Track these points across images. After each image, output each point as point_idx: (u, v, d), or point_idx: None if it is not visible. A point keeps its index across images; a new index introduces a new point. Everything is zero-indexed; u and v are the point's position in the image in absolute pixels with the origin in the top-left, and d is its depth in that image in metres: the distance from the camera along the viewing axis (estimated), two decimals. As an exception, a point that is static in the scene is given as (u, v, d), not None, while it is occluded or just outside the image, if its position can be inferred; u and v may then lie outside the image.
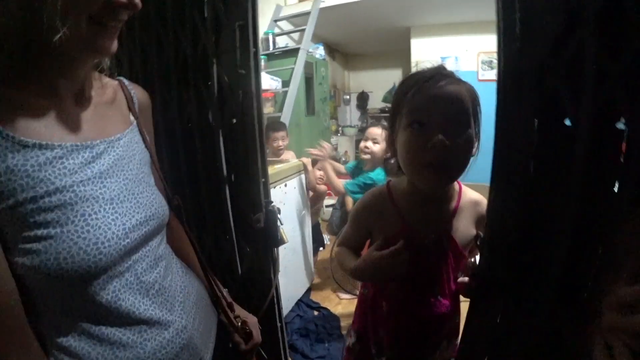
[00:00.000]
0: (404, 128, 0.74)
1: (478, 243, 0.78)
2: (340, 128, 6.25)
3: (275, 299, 1.18)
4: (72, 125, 0.55)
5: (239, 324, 0.81)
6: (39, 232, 0.47)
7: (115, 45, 0.53)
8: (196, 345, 0.66)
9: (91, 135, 0.57)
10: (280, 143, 2.58)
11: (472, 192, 0.86)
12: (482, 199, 0.84)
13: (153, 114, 0.76)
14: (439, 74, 0.73)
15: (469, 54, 4.76)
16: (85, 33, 0.48)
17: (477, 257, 0.80)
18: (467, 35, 4.66)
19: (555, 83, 0.64)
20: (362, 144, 2.11)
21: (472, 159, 0.75)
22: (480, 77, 4.70)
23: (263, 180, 1.01)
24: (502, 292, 0.76)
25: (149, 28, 1.13)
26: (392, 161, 0.85)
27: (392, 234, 0.82)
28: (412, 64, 5.04)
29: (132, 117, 0.67)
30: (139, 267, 0.58)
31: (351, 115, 6.83)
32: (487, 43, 4.41)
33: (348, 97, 6.77)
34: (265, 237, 1.07)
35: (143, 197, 0.61)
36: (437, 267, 0.84)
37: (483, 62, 4.75)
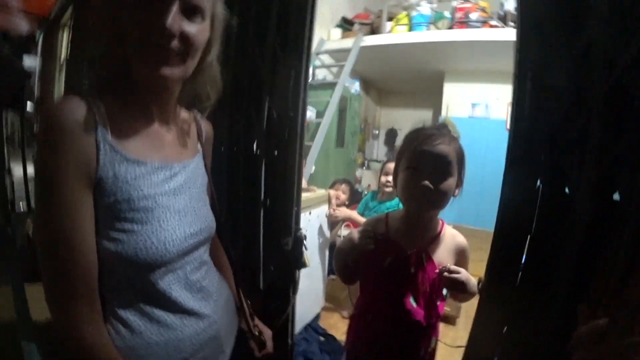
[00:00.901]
0: (403, 170, 0.98)
1: (479, 287, 0.87)
2: (366, 161, 6.36)
3: (290, 317, 1.27)
4: (159, 148, 0.70)
5: (257, 332, 0.92)
6: (126, 225, 0.61)
7: (168, 71, 0.61)
8: (222, 338, 0.78)
9: (171, 159, 0.71)
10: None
11: (451, 229, 1.06)
12: (459, 235, 1.05)
13: None
14: (437, 134, 0.95)
15: (499, 103, 4.80)
16: (140, 56, 0.60)
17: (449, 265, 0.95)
18: (499, 84, 4.67)
19: (560, 156, 0.73)
20: (383, 179, 2.27)
21: (456, 198, 0.98)
22: (509, 127, 4.72)
23: (296, 208, 1.13)
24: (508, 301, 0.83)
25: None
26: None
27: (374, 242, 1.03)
28: (443, 107, 5.15)
29: (199, 147, 0.82)
30: (188, 267, 0.71)
31: (378, 150, 6.94)
32: (520, 94, 4.47)
33: (377, 132, 6.90)
34: (290, 259, 1.18)
35: (200, 212, 0.75)
36: (415, 277, 0.98)
37: (513, 113, 4.77)
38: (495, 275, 0.85)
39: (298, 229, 1.15)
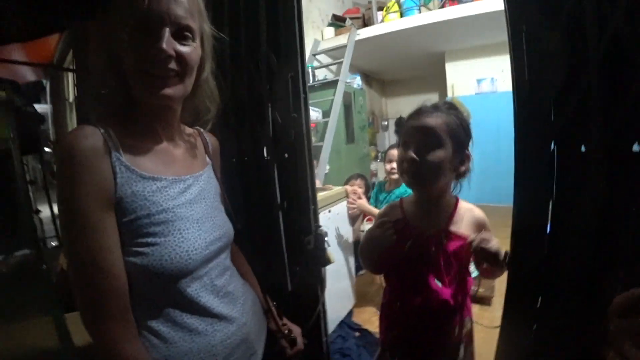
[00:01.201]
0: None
1: (506, 260, 0.86)
2: (379, 154, 6.33)
3: (321, 315, 1.28)
4: (170, 163, 0.74)
5: (286, 331, 0.94)
6: (149, 239, 0.64)
7: (169, 91, 0.66)
8: (252, 340, 0.81)
9: (183, 171, 0.75)
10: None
11: (466, 204, 1.04)
12: (475, 208, 1.04)
13: None
14: (427, 109, 0.97)
15: (505, 75, 4.71)
16: (142, 82, 0.65)
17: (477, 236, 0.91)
18: (502, 55, 4.56)
19: (568, 117, 0.72)
20: (387, 167, 2.29)
21: (468, 176, 0.99)
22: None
23: (313, 207, 1.15)
24: (533, 308, 0.82)
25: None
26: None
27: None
28: (448, 88, 5.09)
29: (207, 159, 0.86)
30: (213, 273, 0.74)
31: (390, 140, 6.88)
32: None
33: (386, 123, 6.86)
34: (314, 257, 1.20)
35: (218, 220, 0.78)
36: (437, 257, 0.98)
37: (521, 83, 4.67)
38: (522, 246, 0.83)
39: (318, 226, 1.17)
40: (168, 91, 0.66)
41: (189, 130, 0.85)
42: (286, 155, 1.20)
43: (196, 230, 0.71)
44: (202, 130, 0.89)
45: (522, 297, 0.86)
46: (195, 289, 0.70)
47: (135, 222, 0.64)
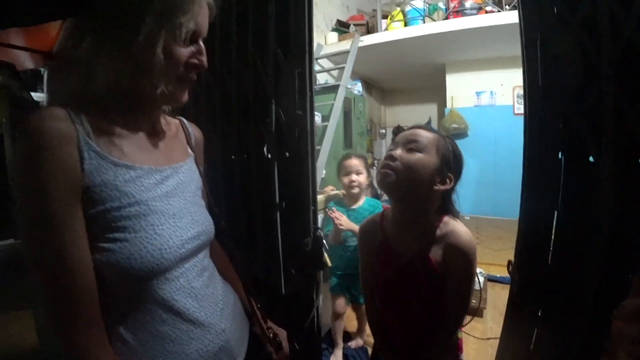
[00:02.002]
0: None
1: (509, 269, 0.84)
2: (375, 161, 6.33)
3: (316, 319, 1.25)
4: (148, 152, 0.69)
5: (271, 335, 0.89)
6: (118, 235, 0.59)
7: (187, 97, 0.69)
8: (232, 348, 0.74)
9: (161, 161, 0.70)
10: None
11: (455, 225, 0.95)
12: (455, 230, 0.93)
13: (214, 146, 0.90)
14: (427, 126, 0.98)
15: (504, 89, 4.76)
16: (172, 88, 0.65)
17: None
18: (502, 70, 4.67)
19: (578, 125, 0.71)
20: (345, 180, 1.99)
21: (450, 190, 0.94)
22: (516, 112, 4.65)
23: (313, 208, 1.12)
24: (534, 319, 0.80)
25: (214, 71, 1.32)
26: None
27: (374, 250, 1.03)
28: (448, 99, 5.12)
29: (190, 151, 0.81)
30: (190, 274, 0.68)
31: (387, 149, 6.90)
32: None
33: (384, 131, 6.88)
34: (310, 260, 1.17)
35: (197, 216, 0.73)
36: (413, 283, 0.95)
37: (519, 97, 4.72)
38: (527, 255, 0.82)
39: (317, 228, 1.14)
40: (186, 97, 0.68)
41: (170, 119, 0.81)
42: (287, 154, 1.17)
43: (172, 226, 0.65)
44: (185, 120, 0.85)
45: (525, 305, 0.84)
46: (169, 292, 0.64)
47: (104, 214, 0.58)
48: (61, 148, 0.55)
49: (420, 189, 0.91)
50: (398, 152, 0.92)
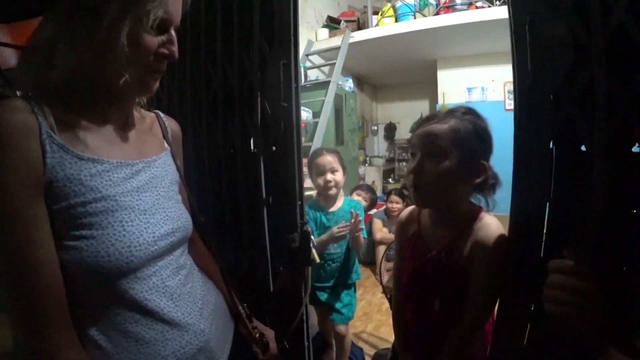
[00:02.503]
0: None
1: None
2: (368, 158, 6.33)
3: (305, 318, 1.22)
4: (118, 145, 0.66)
5: (257, 335, 0.87)
6: (84, 232, 0.56)
7: (157, 86, 0.67)
8: (212, 349, 0.71)
9: (132, 155, 0.67)
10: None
11: (489, 219, 0.89)
12: (485, 224, 0.87)
13: (200, 141, 0.87)
14: (435, 115, 0.90)
15: (495, 84, 4.77)
16: (140, 78, 0.62)
17: None
18: (493, 65, 4.66)
19: (570, 112, 0.69)
20: (320, 181, 1.76)
21: (489, 188, 0.89)
22: (507, 107, 4.65)
23: (300, 203, 1.09)
24: (527, 313, 0.78)
25: (199, 64, 1.28)
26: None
27: (406, 242, 1.01)
28: (439, 95, 5.12)
29: (166, 144, 0.78)
30: (164, 273, 0.65)
31: (379, 145, 6.91)
32: (514, 73, 4.43)
33: (376, 127, 6.88)
34: (298, 256, 1.14)
35: (171, 211, 0.69)
36: (437, 277, 0.91)
37: (509, 92, 4.72)
38: (519, 248, 0.79)
39: (304, 223, 1.11)
40: (156, 87, 0.66)
41: (146, 113, 0.78)
42: (274, 148, 1.14)
43: (142, 222, 0.62)
44: (161, 114, 0.82)
45: (517, 298, 0.82)
46: (141, 291, 0.61)
47: (68, 210, 0.55)
48: (22, 141, 0.52)
49: (452, 191, 0.86)
50: (418, 163, 0.86)
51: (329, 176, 1.75)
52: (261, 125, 1.15)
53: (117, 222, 0.58)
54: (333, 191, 1.77)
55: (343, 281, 1.88)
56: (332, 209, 1.84)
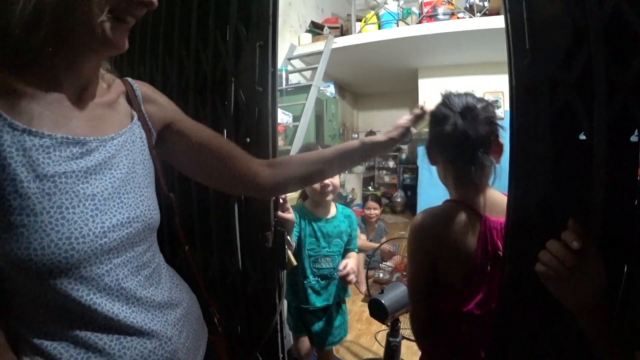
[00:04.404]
0: None
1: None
2: (349, 166, 6.28)
3: (279, 327, 1.12)
4: (67, 119, 0.54)
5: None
6: (12, 218, 0.46)
7: (127, 43, 0.55)
8: (180, 359, 0.62)
9: (85, 131, 0.56)
10: None
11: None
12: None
13: None
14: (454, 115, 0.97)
15: (475, 94, 4.84)
16: (104, 26, 0.49)
17: None
18: (472, 75, 4.72)
19: (568, 96, 0.64)
20: (316, 185, 1.51)
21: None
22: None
23: (273, 199, 1.00)
24: (527, 311, 0.72)
25: (171, 49, 1.18)
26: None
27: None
28: (420, 104, 5.15)
29: (134, 114, 0.66)
30: (120, 272, 0.55)
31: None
32: (492, 83, 4.50)
33: (356, 135, 6.86)
34: (272, 258, 1.04)
35: (129, 198, 0.58)
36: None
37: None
38: (517, 243, 0.73)
39: (278, 221, 1.02)
40: (126, 43, 0.55)
41: (112, 82, 0.65)
42: (248, 139, 1.04)
43: (88, 209, 0.52)
44: (130, 80, 0.69)
45: (516, 297, 0.76)
46: (88, 294, 0.51)
47: None
48: None
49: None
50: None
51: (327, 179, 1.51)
52: (234, 116, 1.05)
53: (54, 207, 0.48)
54: (330, 197, 1.58)
55: (335, 300, 1.67)
56: (328, 217, 1.64)
